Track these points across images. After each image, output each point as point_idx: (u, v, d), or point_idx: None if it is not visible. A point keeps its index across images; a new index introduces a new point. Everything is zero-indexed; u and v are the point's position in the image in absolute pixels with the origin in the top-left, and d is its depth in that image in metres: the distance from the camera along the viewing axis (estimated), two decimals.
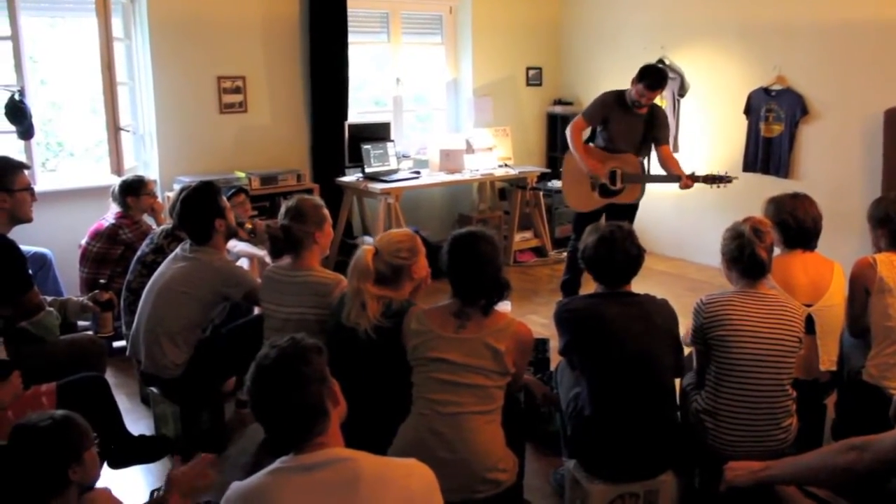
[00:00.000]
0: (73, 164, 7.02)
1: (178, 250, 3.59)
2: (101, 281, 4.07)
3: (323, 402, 1.78)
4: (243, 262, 4.28)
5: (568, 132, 5.13)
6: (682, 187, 4.94)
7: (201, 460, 2.45)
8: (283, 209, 3.28)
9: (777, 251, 3.14)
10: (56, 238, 5.05)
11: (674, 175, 4.98)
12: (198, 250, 3.48)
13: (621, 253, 2.76)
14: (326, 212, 3.31)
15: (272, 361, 1.78)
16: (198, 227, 3.47)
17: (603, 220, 4.92)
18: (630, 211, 5.14)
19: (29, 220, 3.47)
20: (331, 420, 1.80)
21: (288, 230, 3.21)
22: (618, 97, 5.02)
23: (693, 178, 4.92)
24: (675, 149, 6.65)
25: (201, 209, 3.46)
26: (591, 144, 5.23)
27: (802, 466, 2.24)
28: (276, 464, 1.77)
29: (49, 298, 3.58)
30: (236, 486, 1.78)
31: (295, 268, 3.25)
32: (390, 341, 2.70)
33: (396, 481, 1.75)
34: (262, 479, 1.74)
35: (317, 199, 3.38)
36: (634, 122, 5.02)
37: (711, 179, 4.94)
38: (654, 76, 4.84)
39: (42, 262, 4.71)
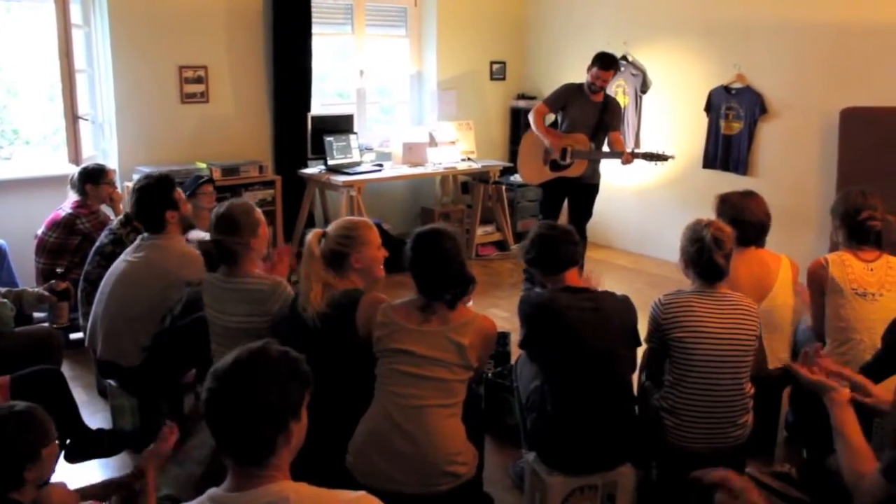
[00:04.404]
0: (29, 153, 6.88)
1: (136, 241, 3.57)
2: (58, 270, 4.01)
3: (273, 439, 1.63)
4: None
5: (531, 115, 5.63)
6: (623, 163, 5.36)
7: (164, 431, 2.62)
8: (212, 218, 3.09)
9: None
10: (11, 228, 4.96)
11: (617, 151, 5.45)
12: (155, 238, 3.50)
13: (561, 245, 2.89)
14: (259, 214, 3.15)
15: (228, 370, 1.69)
16: (151, 217, 3.51)
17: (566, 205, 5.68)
18: (589, 191, 5.64)
19: None
20: (279, 455, 1.64)
21: (220, 245, 3.06)
22: (578, 87, 5.54)
23: (633, 154, 5.35)
24: (637, 145, 6.77)
25: (153, 200, 3.49)
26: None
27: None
28: (217, 491, 1.66)
29: (3, 289, 3.52)
30: None
31: (231, 274, 3.10)
32: (335, 330, 2.69)
33: None
34: None
35: (247, 202, 3.24)
36: (590, 108, 5.49)
37: (650, 156, 5.36)
38: (605, 58, 5.37)
39: None
